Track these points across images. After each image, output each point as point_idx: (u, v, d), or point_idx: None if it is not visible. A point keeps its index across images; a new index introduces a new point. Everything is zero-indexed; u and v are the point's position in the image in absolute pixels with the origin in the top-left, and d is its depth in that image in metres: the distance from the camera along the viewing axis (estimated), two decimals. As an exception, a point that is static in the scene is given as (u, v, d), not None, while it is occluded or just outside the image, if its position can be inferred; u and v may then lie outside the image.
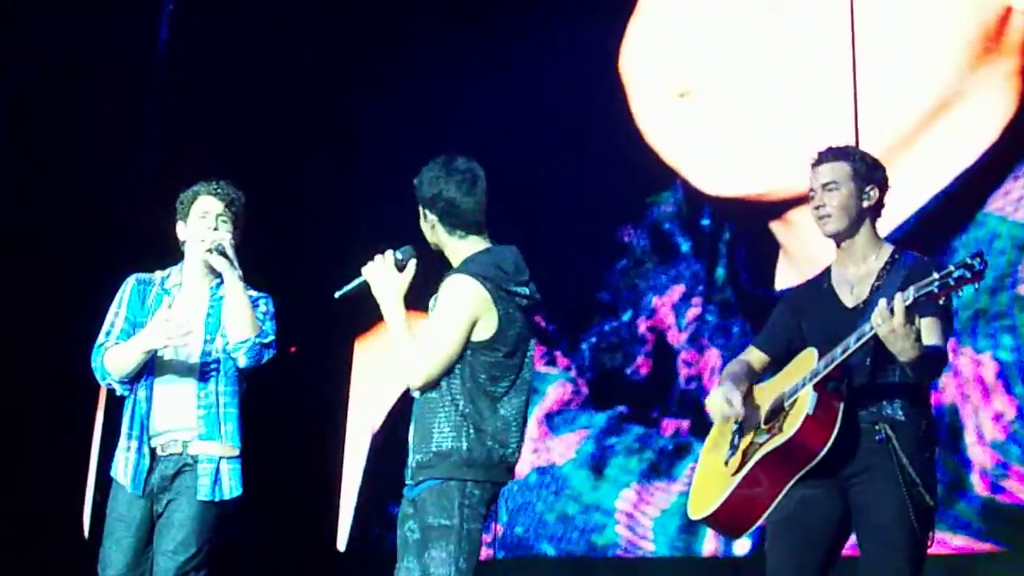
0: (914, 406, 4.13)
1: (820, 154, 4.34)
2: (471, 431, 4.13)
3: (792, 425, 4.05)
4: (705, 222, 7.71)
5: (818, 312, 4.31)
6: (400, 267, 4.28)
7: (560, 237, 7.62)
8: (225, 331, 4.81)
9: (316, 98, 8.32)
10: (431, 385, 4.15)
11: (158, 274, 5.02)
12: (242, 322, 4.79)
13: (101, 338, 4.89)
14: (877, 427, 4.09)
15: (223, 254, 4.80)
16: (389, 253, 4.29)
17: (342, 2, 8.52)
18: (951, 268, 3.74)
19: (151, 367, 4.82)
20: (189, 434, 4.78)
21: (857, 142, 6.92)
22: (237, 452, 4.82)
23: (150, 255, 5.20)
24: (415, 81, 8.62)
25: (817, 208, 4.29)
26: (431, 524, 4.06)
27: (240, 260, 4.87)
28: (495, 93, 8.25)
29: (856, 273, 4.27)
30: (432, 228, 4.30)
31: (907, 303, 3.78)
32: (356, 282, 4.32)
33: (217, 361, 4.83)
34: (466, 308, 4.15)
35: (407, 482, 4.21)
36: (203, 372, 4.81)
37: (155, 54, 8.00)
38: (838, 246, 4.32)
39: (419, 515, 4.11)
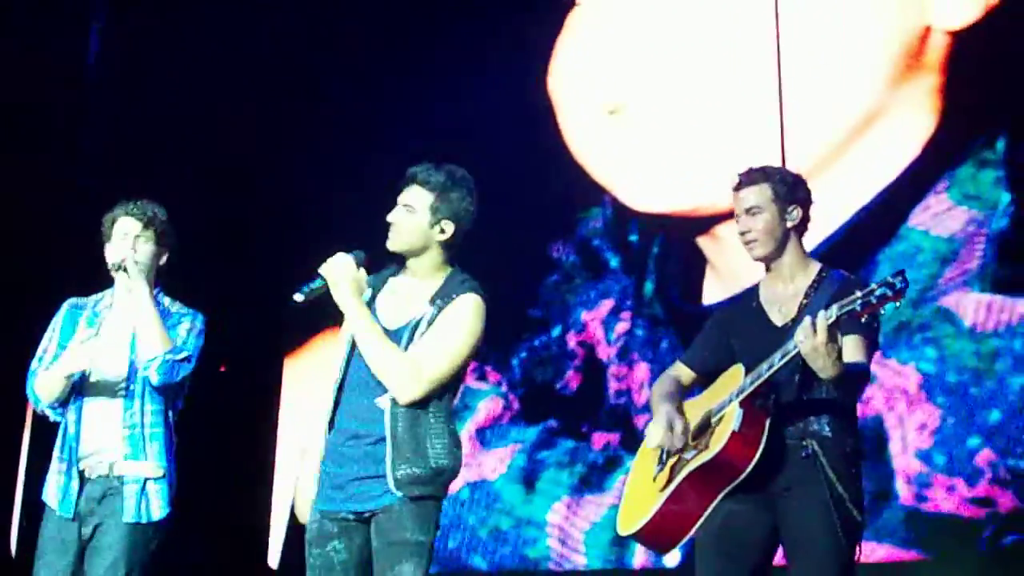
0: (841, 422, 4.13)
1: (740, 177, 4.35)
2: (456, 450, 4.16)
3: (718, 442, 4.07)
4: (633, 237, 7.77)
5: (747, 330, 4.32)
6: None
7: (490, 253, 7.64)
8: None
9: (246, 113, 8.25)
10: (418, 402, 4.12)
11: (92, 297, 5.00)
12: (150, 338, 4.76)
13: (34, 364, 4.89)
14: (804, 443, 4.10)
15: (124, 270, 4.80)
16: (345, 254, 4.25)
17: (268, 11, 8.47)
18: (873, 286, 3.77)
19: (81, 390, 4.80)
20: (114, 455, 4.75)
21: (783, 158, 7.02)
22: (163, 472, 4.78)
23: (93, 278, 5.15)
24: (351, 91, 8.60)
25: (743, 234, 4.30)
26: (407, 540, 4.03)
27: (170, 276, 4.89)
28: (424, 111, 8.26)
29: (784, 292, 4.29)
30: (434, 233, 4.27)
31: (829, 321, 3.80)
32: (316, 284, 4.21)
33: (144, 380, 4.80)
34: (479, 330, 4.21)
35: (349, 494, 4.13)
36: (128, 392, 4.79)
37: (86, 68, 7.97)
38: (767, 267, 4.35)
39: (389, 529, 4.05)
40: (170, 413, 4.87)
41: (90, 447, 4.78)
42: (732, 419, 4.06)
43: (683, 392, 4.43)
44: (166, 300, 4.97)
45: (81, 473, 4.77)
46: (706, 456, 4.08)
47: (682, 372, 4.49)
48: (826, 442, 4.11)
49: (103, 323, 4.90)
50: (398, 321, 4.23)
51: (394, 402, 4.12)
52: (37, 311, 5.29)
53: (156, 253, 4.90)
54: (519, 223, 7.83)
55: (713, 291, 7.35)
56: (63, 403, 4.81)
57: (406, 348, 4.14)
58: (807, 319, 3.85)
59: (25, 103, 7.51)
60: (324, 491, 4.20)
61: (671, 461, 4.24)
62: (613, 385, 7.56)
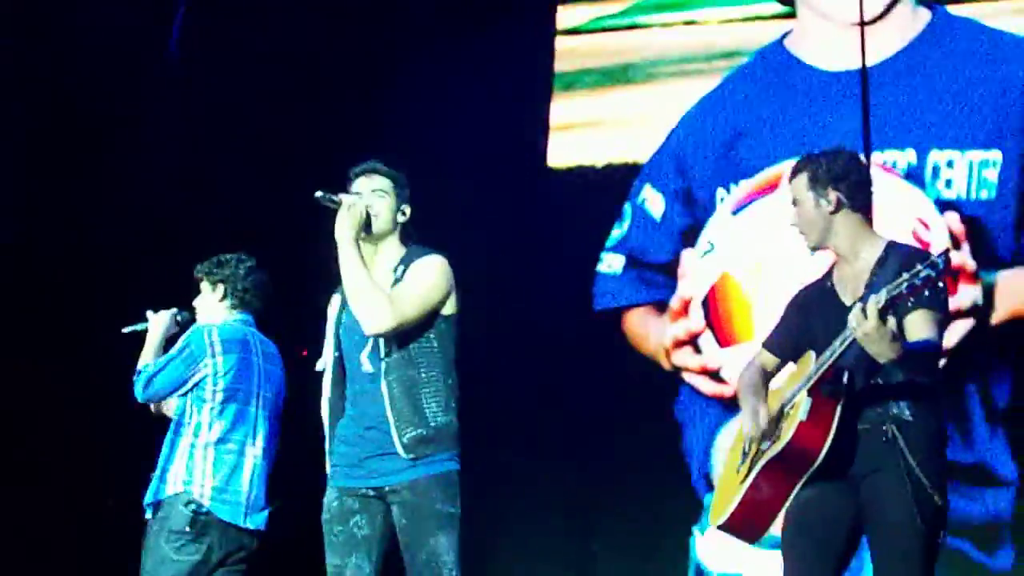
0: (922, 403, 4.07)
1: (797, 166, 4.34)
2: (454, 404, 4.28)
3: (788, 431, 4.06)
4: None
5: (821, 311, 4.27)
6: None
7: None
8: None
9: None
10: (398, 339, 4.23)
11: None
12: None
13: None
14: (884, 427, 4.05)
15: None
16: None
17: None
18: (918, 267, 3.74)
19: None
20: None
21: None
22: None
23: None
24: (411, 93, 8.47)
25: (794, 227, 4.31)
26: (438, 511, 4.17)
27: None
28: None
29: (851, 271, 4.24)
30: (398, 216, 4.43)
31: (879, 305, 3.76)
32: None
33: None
34: (444, 284, 4.32)
35: (363, 471, 4.25)
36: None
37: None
38: (841, 250, 4.29)
39: (416, 503, 4.18)
40: (182, 431, 5.26)
41: None
42: (800, 408, 4.05)
43: (767, 377, 4.40)
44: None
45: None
46: (778, 446, 4.08)
47: (765, 358, 4.44)
48: (906, 426, 4.04)
49: None
50: None
51: (385, 370, 4.24)
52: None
53: (210, 292, 5.45)
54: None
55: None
56: None
57: None
58: (857, 304, 3.82)
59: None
60: (341, 470, 4.33)
61: (752, 452, 4.24)
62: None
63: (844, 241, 4.24)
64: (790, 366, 4.36)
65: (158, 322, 5.44)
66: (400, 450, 4.19)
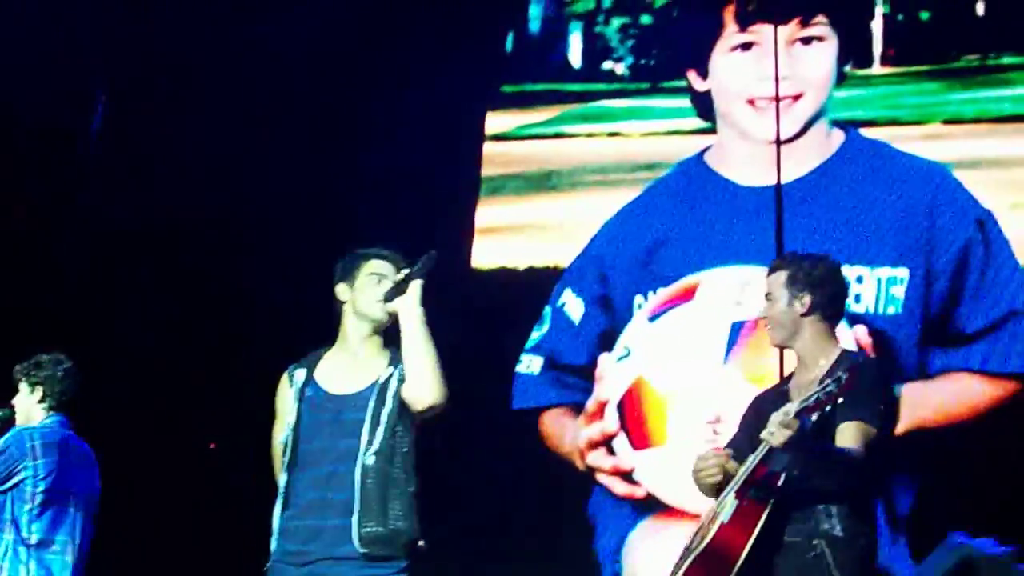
0: (853, 516, 4.09)
1: (769, 265, 4.47)
2: (414, 513, 4.36)
3: (710, 532, 4.09)
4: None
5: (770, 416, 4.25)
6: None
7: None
8: None
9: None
10: (386, 431, 4.33)
11: None
12: None
13: None
14: (814, 542, 4.06)
15: None
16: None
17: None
18: (827, 381, 3.86)
19: None
20: None
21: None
22: None
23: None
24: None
25: (763, 319, 4.41)
26: None
27: None
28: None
29: (807, 377, 4.29)
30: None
31: (789, 416, 3.85)
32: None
33: None
34: None
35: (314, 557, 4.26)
36: None
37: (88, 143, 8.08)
38: (797, 354, 4.37)
39: None
40: (10, 515, 5.48)
41: None
42: (725, 510, 4.07)
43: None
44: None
45: None
46: (701, 546, 4.10)
47: (728, 464, 4.35)
48: (837, 543, 4.06)
49: None
50: (354, 386, 4.43)
51: (366, 459, 4.29)
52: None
53: (27, 398, 5.65)
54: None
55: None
56: None
57: (377, 407, 4.33)
58: (775, 415, 3.90)
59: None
60: (283, 568, 4.36)
61: (694, 547, 4.25)
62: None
63: (808, 345, 4.30)
64: None
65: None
66: (356, 543, 4.22)
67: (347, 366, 4.49)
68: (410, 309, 4.38)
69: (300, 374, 4.49)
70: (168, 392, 7.70)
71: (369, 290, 4.48)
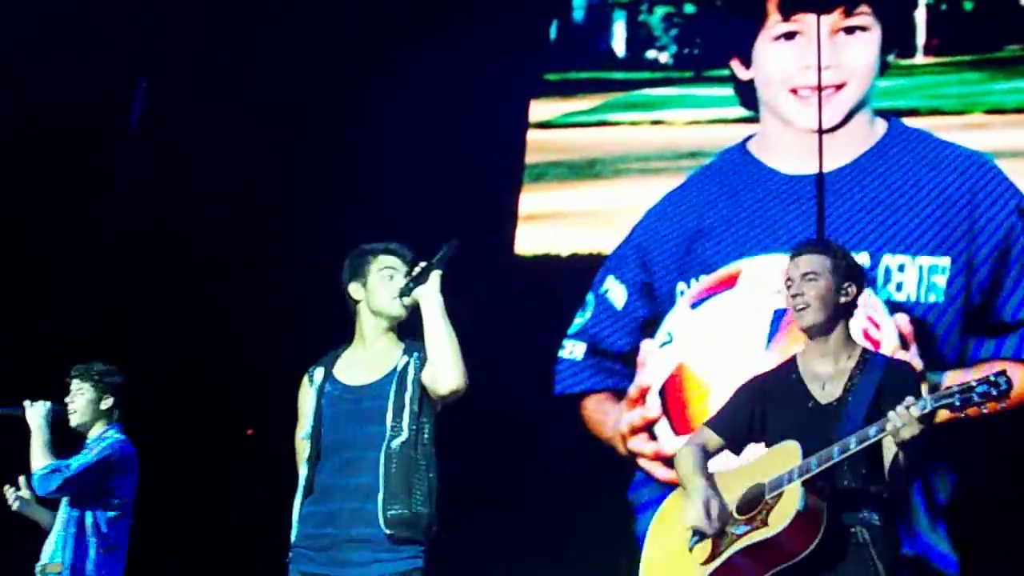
0: (889, 513, 4.06)
1: (800, 245, 4.32)
2: (434, 498, 4.29)
3: (779, 521, 3.94)
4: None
5: (785, 404, 4.21)
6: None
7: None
8: None
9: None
10: (408, 419, 4.28)
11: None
12: (32, 458, 5.52)
13: None
14: (854, 530, 4.00)
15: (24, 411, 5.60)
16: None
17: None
18: (972, 382, 3.75)
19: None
20: (45, 556, 5.56)
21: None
22: (59, 569, 5.48)
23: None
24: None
25: (795, 297, 4.20)
26: None
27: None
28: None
29: (826, 370, 4.19)
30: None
31: (925, 412, 3.75)
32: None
33: None
34: None
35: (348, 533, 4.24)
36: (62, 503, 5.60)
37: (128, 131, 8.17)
38: (810, 339, 4.24)
39: None
40: (89, 516, 5.52)
41: (44, 550, 5.60)
42: (796, 499, 3.93)
43: (708, 458, 4.30)
44: (106, 436, 5.65)
45: None
46: (765, 534, 3.96)
47: (708, 438, 4.33)
48: (876, 532, 4.01)
49: None
50: (371, 376, 4.42)
51: (390, 444, 4.28)
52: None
53: (97, 401, 5.65)
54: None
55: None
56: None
57: (399, 393, 4.33)
58: (900, 409, 3.78)
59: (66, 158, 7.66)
60: (303, 553, 4.34)
61: (694, 526, 4.11)
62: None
63: (838, 337, 4.19)
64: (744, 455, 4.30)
65: (38, 416, 5.54)
66: (382, 525, 4.21)
67: (364, 360, 4.48)
68: (431, 297, 4.34)
69: (319, 373, 4.50)
70: (205, 383, 7.79)
71: (382, 287, 4.45)
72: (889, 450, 3.94)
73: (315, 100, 8.11)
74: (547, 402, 7.44)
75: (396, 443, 4.26)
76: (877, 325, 6.64)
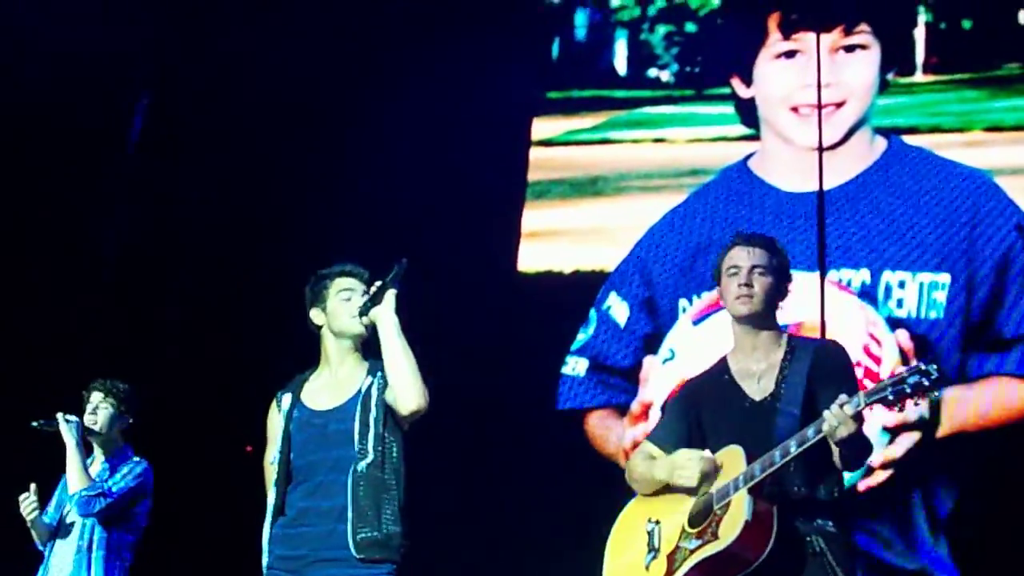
0: (841, 518, 4.00)
1: (751, 236, 4.25)
2: (402, 517, 4.33)
3: (729, 532, 3.87)
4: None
5: (720, 406, 4.15)
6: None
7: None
8: None
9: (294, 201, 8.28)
10: (374, 440, 4.33)
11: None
12: (72, 478, 5.49)
13: None
14: (809, 539, 3.93)
15: (60, 427, 5.50)
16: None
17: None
18: (903, 373, 3.73)
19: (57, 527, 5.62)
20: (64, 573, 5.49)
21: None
22: None
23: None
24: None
25: (742, 286, 4.12)
26: None
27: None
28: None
29: (760, 366, 4.12)
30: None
31: (858, 410, 3.74)
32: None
33: None
34: None
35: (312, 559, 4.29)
36: (83, 521, 5.54)
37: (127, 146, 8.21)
38: (740, 329, 4.17)
39: None
40: (116, 539, 5.53)
41: (54, 570, 5.51)
42: (743, 507, 3.86)
43: None
44: (128, 454, 5.69)
45: None
46: (716, 547, 3.89)
47: (652, 452, 4.25)
48: (832, 538, 3.95)
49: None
50: (337, 399, 4.46)
51: (357, 467, 4.32)
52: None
53: (117, 417, 5.66)
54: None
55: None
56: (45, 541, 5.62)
57: (364, 415, 4.37)
58: (835, 408, 3.77)
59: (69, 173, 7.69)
60: (278, 574, 4.37)
61: (666, 548, 4.03)
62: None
63: (771, 333, 4.16)
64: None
65: (74, 433, 5.51)
66: (352, 548, 4.25)
67: (329, 383, 4.51)
68: (387, 318, 4.38)
69: (287, 399, 4.55)
70: (203, 399, 7.81)
71: (341, 309, 4.50)
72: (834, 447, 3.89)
73: (318, 117, 8.16)
74: (550, 418, 7.47)
75: (362, 465, 4.31)
76: (878, 341, 6.69)
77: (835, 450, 3.91)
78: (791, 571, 3.90)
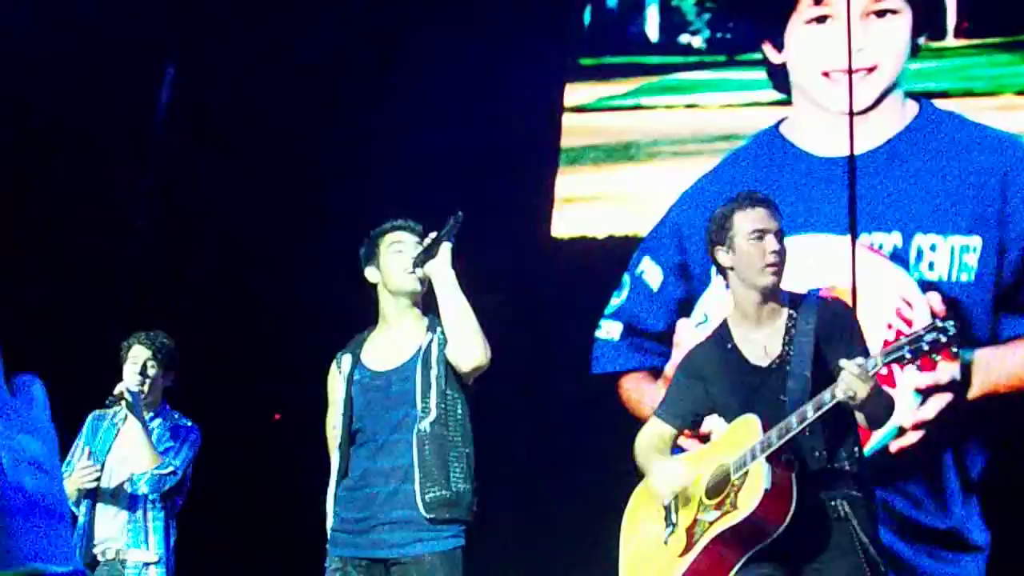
0: (863, 482, 3.97)
1: (764, 197, 4.14)
2: (472, 474, 4.34)
3: (749, 501, 3.84)
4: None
5: (726, 374, 4.10)
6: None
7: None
8: None
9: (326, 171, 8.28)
10: (437, 398, 4.31)
11: (112, 409, 5.55)
12: (140, 457, 5.38)
13: (63, 467, 5.41)
14: (833, 503, 3.90)
15: (127, 402, 5.36)
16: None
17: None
18: (920, 331, 3.69)
19: (94, 489, 5.49)
20: (119, 543, 5.45)
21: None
22: (158, 558, 5.44)
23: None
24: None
25: (774, 253, 4.02)
26: None
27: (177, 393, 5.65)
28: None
29: (761, 331, 4.06)
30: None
31: (876, 371, 3.68)
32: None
33: None
34: None
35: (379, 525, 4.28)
36: (133, 490, 5.48)
37: (156, 120, 8.26)
38: (764, 301, 4.08)
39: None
40: (169, 506, 5.53)
41: (100, 535, 5.47)
42: (761, 476, 3.81)
43: (665, 449, 4.22)
44: (173, 414, 5.64)
45: (94, 557, 5.46)
46: (737, 517, 3.86)
47: (661, 428, 4.25)
48: (856, 502, 3.92)
49: (119, 433, 5.56)
50: (398, 359, 4.45)
51: (421, 426, 4.31)
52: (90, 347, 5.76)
53: (162, 376, 5.58)
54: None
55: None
56: (77, 503, 5.48)
57: (425, 374, 4.35)
58: (845, 375, 3.68)
59: (94, 145, 7.74)
60: (343, 536, 4.40)
61: (684, 522, 4.03)
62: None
63: (776, 297, 4.05)
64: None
65: (136, 409, 5.37)
66: (421, 508, 4.22)
67: (389, 343, 4.46)
68: (442, 272, 4.30)
69: (347, 360, 4.51)
70: (232, 367, 7.90)
71: (394, 264, 4.44)
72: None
73: (350, 86, 8.21)
74: (585, 381, 7.54)
75: (426, 424, 4.28)
76: (910, 304, 6.73)
77: (857, 411, 3.87)
78: (814, 537, 3.86)
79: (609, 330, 7.55)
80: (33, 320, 7.37)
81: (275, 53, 8.06)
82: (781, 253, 4.03)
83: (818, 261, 6.81)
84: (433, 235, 4.39)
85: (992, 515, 6.65)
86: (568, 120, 8.24)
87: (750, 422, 3.94)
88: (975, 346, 6.73)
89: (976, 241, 6.92)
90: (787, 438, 3.83)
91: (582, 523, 7.32)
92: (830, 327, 3.97)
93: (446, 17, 8.17)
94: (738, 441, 3.97)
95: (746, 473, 3.89)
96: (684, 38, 8.27)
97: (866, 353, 3.88)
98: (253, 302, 8.00)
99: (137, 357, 5.52)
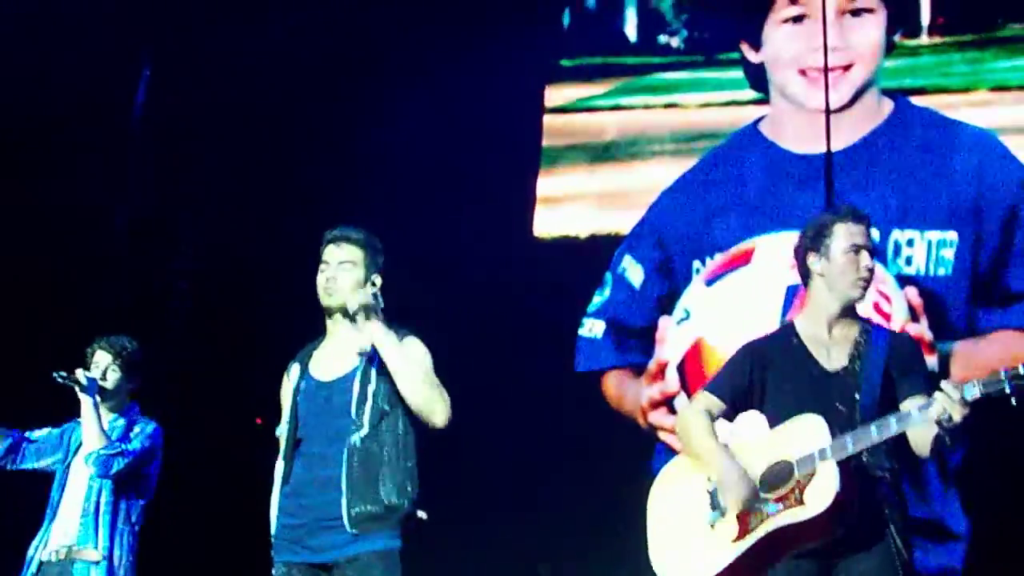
0: (900, 492, 4.12)
1: (863, 212, 4.26)
2: (410, 488, 4.34)
3: (819, 501, 3.89)
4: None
5: (788, 370, 4.16)
6: None
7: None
8: None
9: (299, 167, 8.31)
10: (371, 414, 4.32)
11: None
12: (89, 437, 5.41)
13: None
14: (886, 512, 4.01)
15: (80, 384, 5.41)
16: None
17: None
18: (1021, 371, 3.80)
19: (62, 478, 5.54)
20: (72, 541, 5.42)
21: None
22: (99, 558, 5.40)
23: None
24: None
25: (867, 269, 4.15)
26: None
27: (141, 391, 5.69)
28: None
29: (829, 337, 4.17)
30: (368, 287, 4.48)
31: (973, 398, 3.77)
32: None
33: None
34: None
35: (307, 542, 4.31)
36: (89, 483, 5.48)
37: (131, 119, 8.28)
38: (841, 315, 4.19)
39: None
40: (124, 503, 5.50)
41: (56, 530, 5.45)
42: (833, 479, 3.88)
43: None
44: (138, 416, 5.65)
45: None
46: (805, 513, 3.91)
47: (711, 403, 4.26)
48: (896, 510, 4.05)
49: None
50: (341, 369, 4.45)
51: (351, 441, 4.32)
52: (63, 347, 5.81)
53: (125, 380, 5.63)
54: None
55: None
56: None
57: (363, 386, 4.37)
58: (941, 396, 3.78)
59: (72, 146, 7.77)
60: (283, 544, 4.42)
61: (736, 510, 4.04)
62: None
63: (854, 309, 4.18)
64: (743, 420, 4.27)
65: (89, 392, 5.43)
66: (346, 523, 4.25)
67: (335, 353, 4.47)
68: (379, 343, 4.33)
69: (295, 368, 4.54)
70: (213, 370, 7.92)
71: (320, 280, 4.50)
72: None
73: (329, 86, 8.23)
74: (569, 379, 7.59)
75: (356, 438, 4.30)
76: (888, 298, 6.80)
77: (930, 435, 3.94)
78: (865, 544, 3.96)
79: (592, 328, 7.60)
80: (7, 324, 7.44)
81: (255, 54, 8.08)
82: (872, 271, 4.17)
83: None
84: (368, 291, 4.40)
85: (971, 504, 6.73)
86: (549, 121, 8.30)
87: (817, 423, 3.99)
88: (953, 338, 6.81)
89: (952, 235, 6.99)
90: (863, 447, 3.92)
91: (568, 519, 7.38)
92: (902, 358, 4.08)
93: (427, 20, 8.22)
94: (800, 439, 4.01)
95: (813, 472, 3.94)
96: (663, 38, 8.34)
97: (932, 389, 3.96)
98: (232, 307, 8.03)
99: (99, 362, 5.62)
